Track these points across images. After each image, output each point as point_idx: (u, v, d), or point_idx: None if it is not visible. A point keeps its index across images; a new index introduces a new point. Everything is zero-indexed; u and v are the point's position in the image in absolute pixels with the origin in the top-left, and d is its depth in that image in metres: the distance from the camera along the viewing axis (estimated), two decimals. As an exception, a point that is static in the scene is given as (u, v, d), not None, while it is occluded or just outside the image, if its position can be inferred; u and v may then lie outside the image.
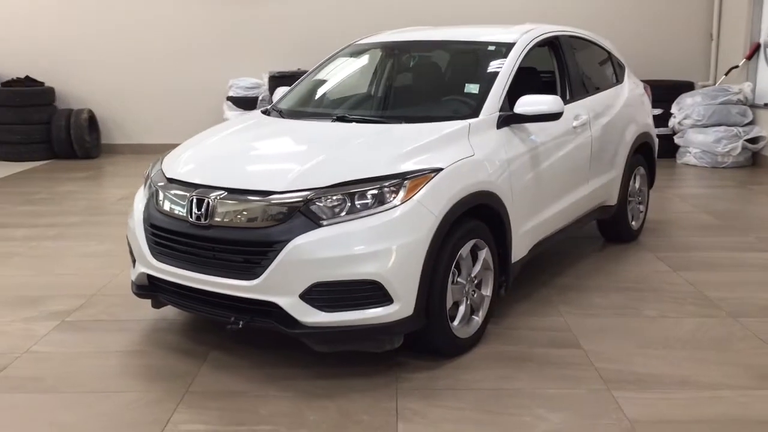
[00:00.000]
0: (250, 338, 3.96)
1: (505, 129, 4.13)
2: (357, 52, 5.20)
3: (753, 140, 9.41)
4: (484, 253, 3.87)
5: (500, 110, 4.15)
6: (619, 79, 5.75)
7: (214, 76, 10.76)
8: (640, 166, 5.88)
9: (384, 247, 3.32)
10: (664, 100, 10.14)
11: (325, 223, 3.34)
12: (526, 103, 4.13)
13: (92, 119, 10.82)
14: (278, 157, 3.89)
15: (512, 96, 4.23)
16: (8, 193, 8.20)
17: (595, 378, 3.57)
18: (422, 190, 3.46)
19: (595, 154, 5.03)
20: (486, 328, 4.02)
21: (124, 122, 11.18)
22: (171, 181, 3.78)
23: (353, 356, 3.68)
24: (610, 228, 5.80)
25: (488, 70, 4.40)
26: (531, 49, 4.63)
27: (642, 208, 6.07)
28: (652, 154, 6.08)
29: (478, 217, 3.83)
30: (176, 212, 3.65)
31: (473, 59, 4.69)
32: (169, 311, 4.27)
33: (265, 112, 4.71)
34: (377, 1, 10.61)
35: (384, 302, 3.36)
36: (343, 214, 3.36)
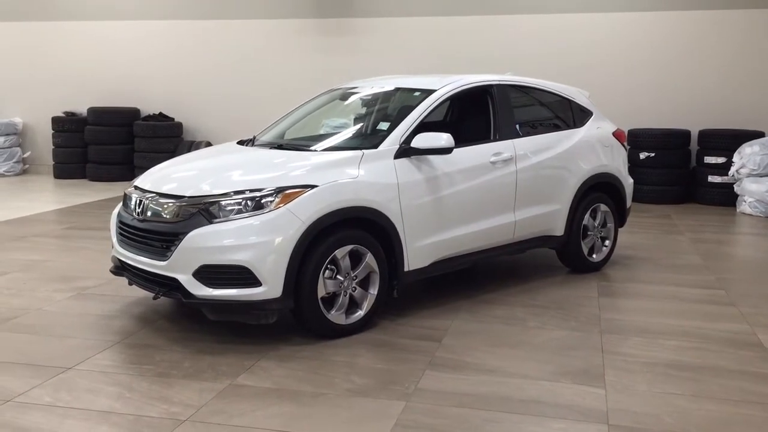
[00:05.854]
0: (194, 315, 5.09)
1: (404, 159, 5.03)
2: (328, 97, 6.28)
3: (810, 192, 9.35)
4: (367, 258, 4.78)
5: (403, 143, 5.06)
6: (576, 124, 6.38)
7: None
8: (602, 204, 6.44)
9: (255, 241, 4.37)
10: (728, 149, 10.32)
11: (216, 221, 4.45)
12: (423, 139, 5.02)
13: (209, 150, 12.63)
14: (205, 173, 4.99)
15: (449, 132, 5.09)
16: (113, 206, 9.98)
17: (425, 361, 4.36)
18: (295, 200, 4.47)
19: (524, 188, 5.74)
20: (373, 320, 4.90)
21: (237, 154, 12.90)
22: (135, 188, 5.06)
23: (254, 330, 4.73)
24: (564, 257, 6.41)
25: (405, 112, 5.32)
26: (450, 97, 5.52)
27: (608, 243, 6.59)
28: (619, 195, 6.61)
29: (362, 227, 4.76)
30: (130, 210, 4.92)
31: (400, 102, 5.62)
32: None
33: (242, 142, 5.90)
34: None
35: (254, 284, 4.39)
36: (232, 215, 4.46)
